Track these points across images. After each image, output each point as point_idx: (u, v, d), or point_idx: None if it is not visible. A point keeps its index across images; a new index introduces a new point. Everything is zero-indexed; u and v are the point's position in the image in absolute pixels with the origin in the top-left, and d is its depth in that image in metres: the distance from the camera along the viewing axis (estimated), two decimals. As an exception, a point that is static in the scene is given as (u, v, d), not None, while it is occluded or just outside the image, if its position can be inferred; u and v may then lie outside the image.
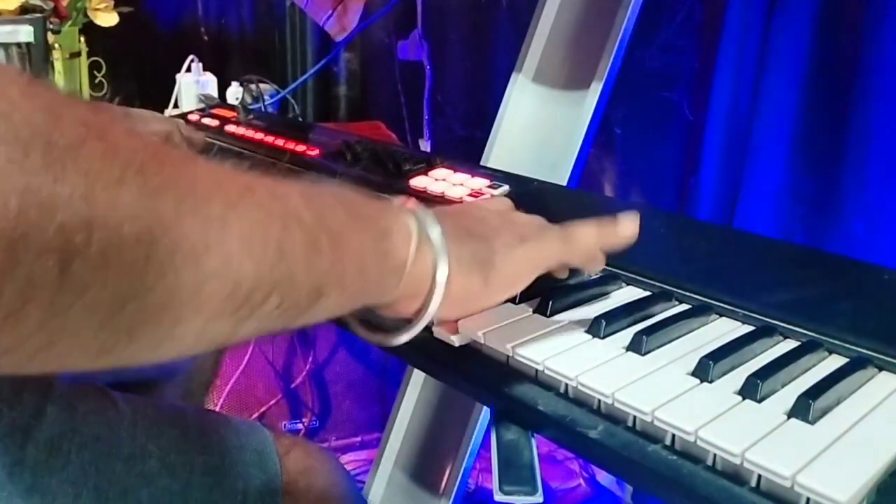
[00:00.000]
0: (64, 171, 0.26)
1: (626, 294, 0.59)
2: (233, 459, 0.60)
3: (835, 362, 0.48)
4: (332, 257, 0.38)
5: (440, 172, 0.83)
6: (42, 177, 0.26)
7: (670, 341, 0.51)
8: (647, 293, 0.58)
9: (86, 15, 1.48)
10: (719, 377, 0.46)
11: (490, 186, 0.79)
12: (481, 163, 1.06)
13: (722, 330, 0.53)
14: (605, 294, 0.59)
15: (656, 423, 0.42)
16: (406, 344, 0.54)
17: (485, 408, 1.07)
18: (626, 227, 0.53)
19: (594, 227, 0.52)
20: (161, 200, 0.30)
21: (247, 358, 1.46)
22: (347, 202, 0.41)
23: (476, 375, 0.51)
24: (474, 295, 0.47)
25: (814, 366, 0.48)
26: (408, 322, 0.46)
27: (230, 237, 0.32)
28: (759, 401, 0.44)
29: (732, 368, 0.47)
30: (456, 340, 0.52)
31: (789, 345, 0.51)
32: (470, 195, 0.77)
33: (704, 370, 0.46)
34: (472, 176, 0.81)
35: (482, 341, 0.52)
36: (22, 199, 0.25)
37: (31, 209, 0.26)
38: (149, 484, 0.55)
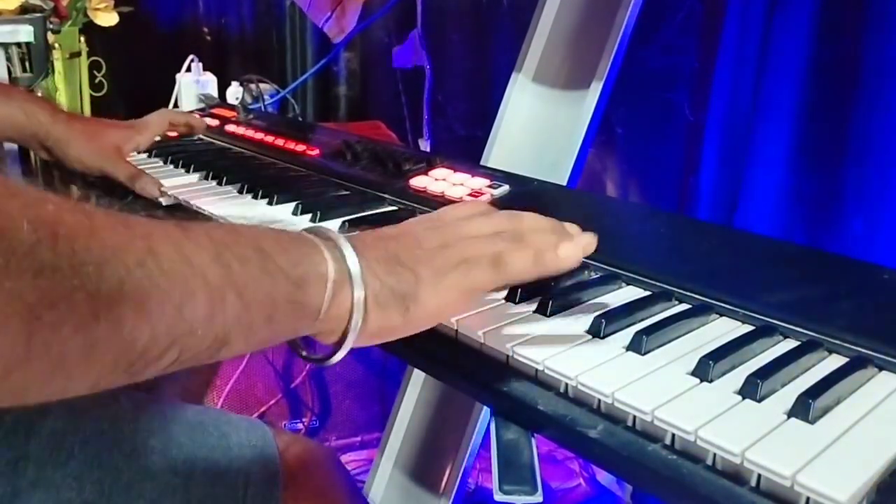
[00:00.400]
0: None
1: (626, 294, 0.59)
2: (233, 455, 0.61)
3: (835, 362, 0.48)
4: (238, 310, 0.38)
5: (440, 172, 0.83)
6: None
7: (670, 341, 0.51)
8: (647, 293, 0.58)
9: (86, 15, 1.48)
10: (719, 377, 0.46)
11: (490, 186, 0.79)
12: (481, 162, 1.06)
13: (722, 330, 0.53)
14: (604, 294, 0.59)
15: (656, 422, 0.42)
16: (406, 344, 0.54)
17: (485, 408, 1.07)
18: (568, 251, 0.51)
19: (531, 255, 0.50)
20: (49, 279, 0.30)
21: (247, 358, 1.45)
22: (263, 252, 0.41)
23: (476, 375, 0.51)
24: (393, 329, 0.47)
25: (814, 365, 0.48)
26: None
27: (123, 305, 0.33)
28: (759, 400, 0.44)
29: (732, 368, 0.47)
30: None
31: (789, 344, 0.51)
32: (470, 195, 0.77)
33: (704, 370, 0.46)
34: (472, 176, 0.81)
35: (482, 341, 0.52)
36: None
37: None
38: (151, 479, 0.56)
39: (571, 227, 0.54)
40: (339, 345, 0.45)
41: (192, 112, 1.21)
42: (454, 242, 0.50)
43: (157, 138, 0.96)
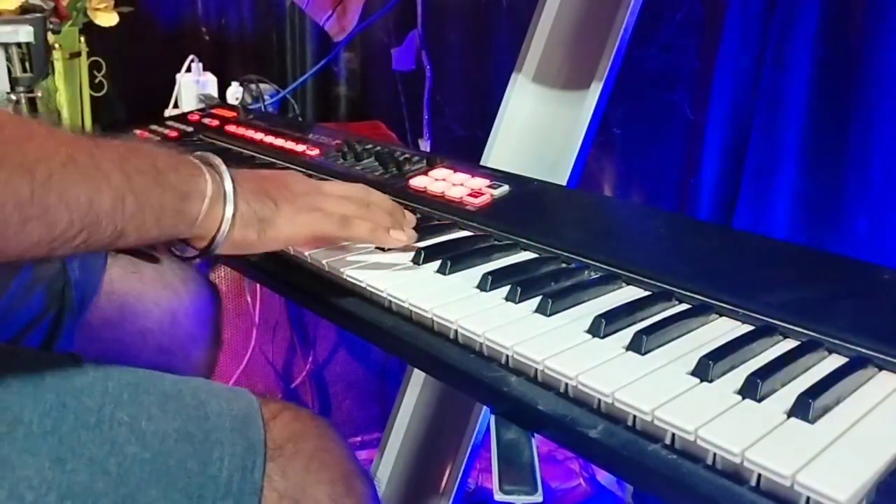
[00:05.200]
0: None
1: (626, 294, 0.59)
2: (211, 426, 0.57)
3: (835, 362, 0.48)
4: (134, 210, 0.50)
5: (440, 172, 0.83)
6: None
7: (670, 341, 0.51)
8: (647, 293, 0.58)
9: (86, 15, 1.47)
10: (719, 377, 0.46)
11: (490, 186, 0.79)
12: (481, 163, 1.06)
13: (722, 330, 0.53)
14: (604, 294, 0.59)
15: (656, 422, 0.42)
16: (406, 343, 0.55)
17: (485, 408, 1.07)
18: (398, 236, 0.65)
19: (370, 227, 0.64)
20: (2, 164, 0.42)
21: (247, 358, 1.46)
22: (158, 168, 0.53)
23: (476, 375, 0.51)
24: (250, 243, 0.59)
25: (814, 365, 0.48)
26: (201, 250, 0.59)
27: (50, 193, 0.45)
28: (759, 400, 0.44)
29: (732, 368, 0.47)
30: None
31: (789, 344, 0.51)
32: (470, 195, 0.77)
33: (704, 370, 0.46)
34: (472, 176, 0.81)
35: (482, 341, 0.52)
36: None
37: None
38: (116, 453, 0.52)
39: (409, 216, 0.70)
40: (207, 249, 0.57)
41: (194, 114, 1.21)
42: (315, 193, 0.64)
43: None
